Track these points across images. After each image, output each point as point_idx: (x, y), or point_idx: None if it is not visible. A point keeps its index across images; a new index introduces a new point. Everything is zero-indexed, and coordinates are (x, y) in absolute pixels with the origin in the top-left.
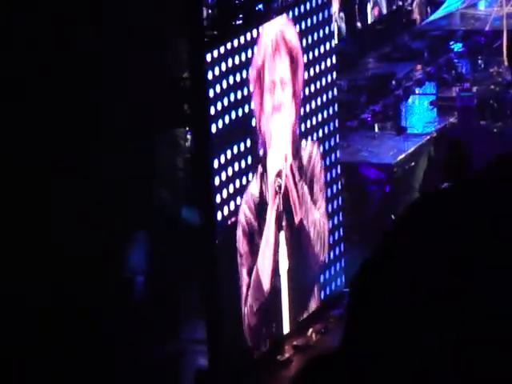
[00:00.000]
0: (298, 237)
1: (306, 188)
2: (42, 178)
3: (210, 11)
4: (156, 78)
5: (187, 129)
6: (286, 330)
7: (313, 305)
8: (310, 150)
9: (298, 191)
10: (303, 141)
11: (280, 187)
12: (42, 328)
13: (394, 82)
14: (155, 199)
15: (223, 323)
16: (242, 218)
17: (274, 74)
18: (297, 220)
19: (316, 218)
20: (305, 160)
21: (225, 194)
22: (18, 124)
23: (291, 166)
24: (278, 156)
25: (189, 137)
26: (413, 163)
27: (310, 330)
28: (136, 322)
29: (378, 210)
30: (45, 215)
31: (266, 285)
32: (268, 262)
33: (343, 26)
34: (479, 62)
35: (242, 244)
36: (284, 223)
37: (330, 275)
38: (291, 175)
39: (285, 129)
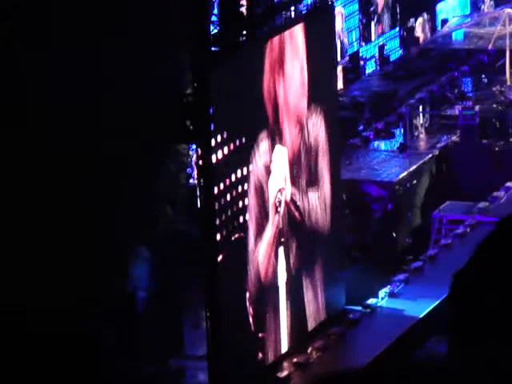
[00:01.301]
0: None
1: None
2: (45, 194)
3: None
4: (160, 94)
5: (189, 145)
6: (285, 346)
7: (313, 320)
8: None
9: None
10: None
11: (280, 203)
12: (45, 341)
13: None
14: (157, 214)
15: (224, 340)
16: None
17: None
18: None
19: (320, 209)
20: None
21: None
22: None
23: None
24: (279, 177)
25: (191, 152)
26: (415, 181)
27: (310, 348)
28: (138, 337)
29: (380, 228)
30: (48, 230)
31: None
32: (266, 275)
33: (346, 41)
34: (482, 80)
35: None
36: (283, 239)
37: (332, 291)
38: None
39: (284, 154)
